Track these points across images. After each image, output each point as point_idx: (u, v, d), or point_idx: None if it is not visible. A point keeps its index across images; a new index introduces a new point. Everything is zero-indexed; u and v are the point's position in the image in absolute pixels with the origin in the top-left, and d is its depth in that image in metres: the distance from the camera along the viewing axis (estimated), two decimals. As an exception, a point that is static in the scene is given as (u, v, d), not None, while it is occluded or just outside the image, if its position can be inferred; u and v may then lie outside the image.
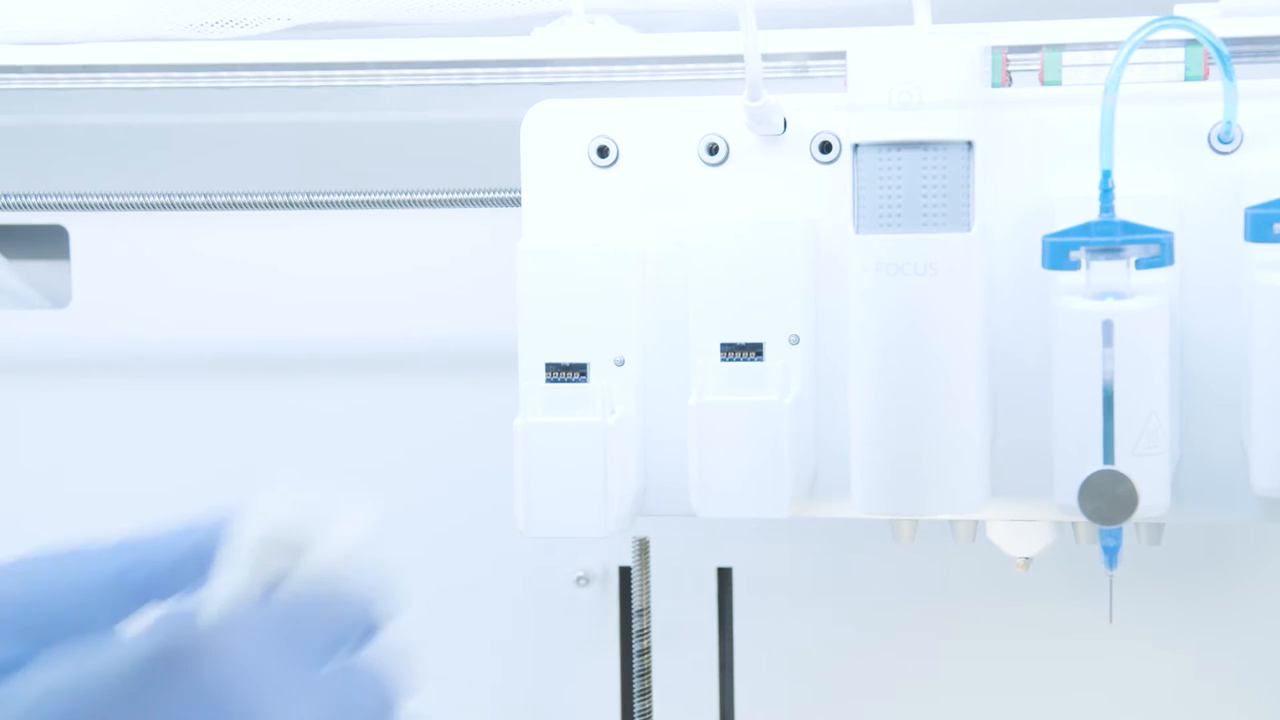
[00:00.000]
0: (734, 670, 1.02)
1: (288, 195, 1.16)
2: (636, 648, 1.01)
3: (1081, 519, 0.84)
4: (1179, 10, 0.91)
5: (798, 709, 1.22)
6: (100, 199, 1.18)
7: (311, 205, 1.16)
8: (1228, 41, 0.87)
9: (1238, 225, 0.87)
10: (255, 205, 1.17)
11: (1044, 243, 0.85)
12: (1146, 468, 0.84)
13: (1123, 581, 1.02)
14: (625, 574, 1.10)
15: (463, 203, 1.15)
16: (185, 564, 0.62)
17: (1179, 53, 0.91)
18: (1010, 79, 0.94)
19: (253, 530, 0.60)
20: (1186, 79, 0.91)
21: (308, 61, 1.13)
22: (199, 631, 0.56)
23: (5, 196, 1.19)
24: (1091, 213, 0.85)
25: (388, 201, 1.16)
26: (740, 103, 0.90)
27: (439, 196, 1.15)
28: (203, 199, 1.17)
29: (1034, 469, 0.89)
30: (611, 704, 1.12)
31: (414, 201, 1.16)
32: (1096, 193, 0.85)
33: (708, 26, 1.07)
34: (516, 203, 0.97)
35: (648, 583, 1.03)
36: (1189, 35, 0.89)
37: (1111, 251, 0.84)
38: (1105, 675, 1.19)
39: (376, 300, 1.23)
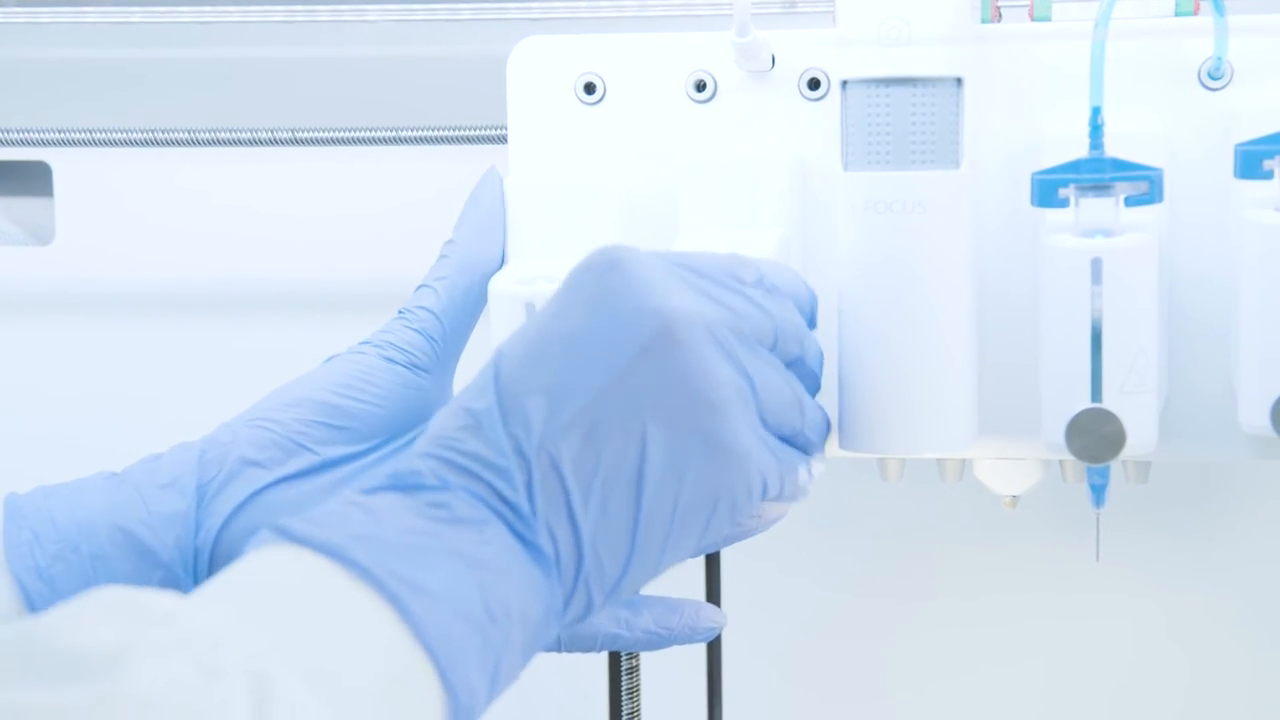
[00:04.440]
0: (720, 604, 1.02)
1: (272, 131, 1.16)
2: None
3: (1069, 457, 0.84)
4: (1170, -55, 0.91)
5: (784, 648, 1.23)
6: (83, 134, 1.17)
7: (296, 141, 1.16)
8: (1219, -23, 0.87)
9: (1227, 162, 0.87)
10: (239, 141, 1.16)
11: (1033, 180, 0.85)
12: (1134, 406, 0.83)
13: (1110, 520, 1.03)
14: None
15: (449, 139, 1.14)
16: None
17: (1170, -12, 0.91)
18: (1000, 15, 0.93)
19: None
20: (1177, 14, 0.91)
21: (292, -4, 1.13)
22: None
23: (-13, 133, 1.18)
24: (1081, 150, 0.85)
25: (372, 138, 1.15)
26: (728, 39, 0.90)
27: (425, 133, 1.15)
28: (187, 135, 1.16)
29: (1022, 407, 0.89)
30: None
31: (399, 138, 1.15)
32: (1086, 129, 0.85)
33: (695, -39, 1.07)
34: (503, 140, 0.97)
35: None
36: (1180, -30, 0.89)
37: (1101, 189, 0.84)
38: (1092, 613, 1.20)
39: (361, 237, 1.22)
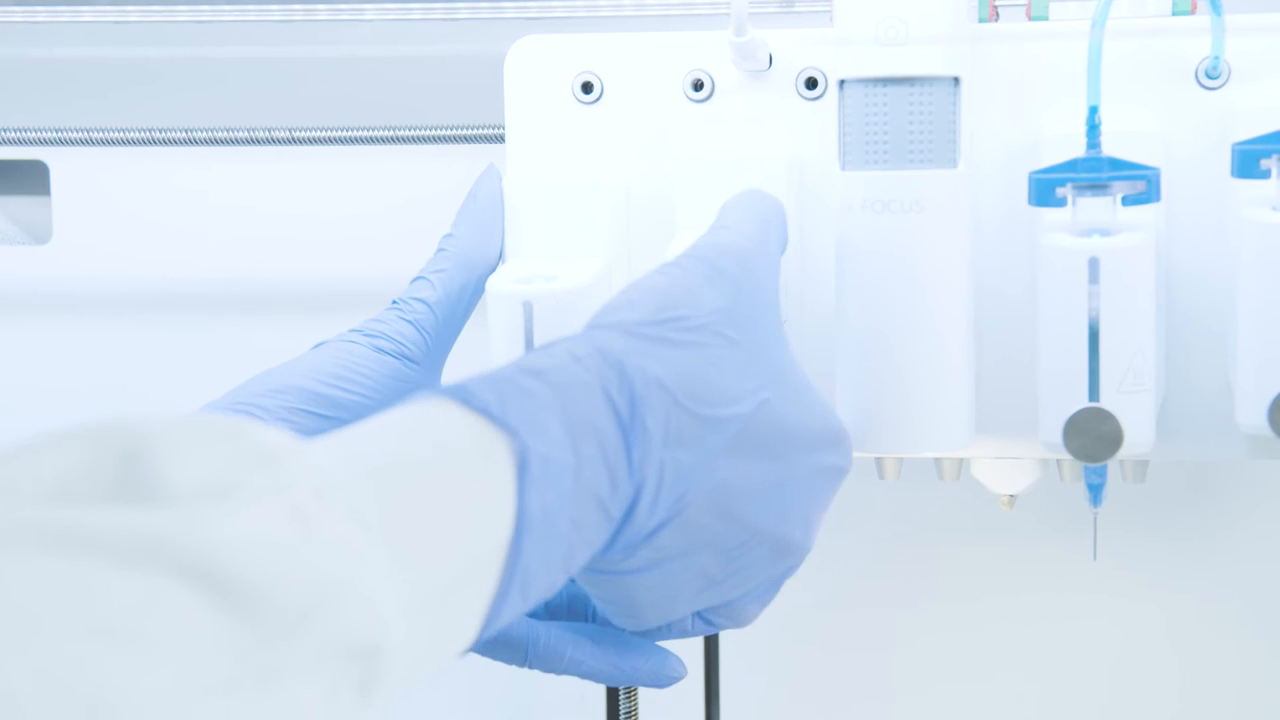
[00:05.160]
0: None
1: (269, 130, 1.16)
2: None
3: (1066, 456, 0.84)
4: (1167, -55, 0.91)
5: (780, 647, 1.22)
6: (81, 134, 1.17)
7: (293, 141, 1.16)
8: (1216, -24, 0.87)
9: (1224, 161, 0.87)
10: (236, 141, 1.16)
11: (1030, 179, 0.85)
12: (1132, 405, 0.83)
13: (1107, 519, 1.02)
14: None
15: (446, 139, 1.14)
16: None
17: (1167, -13, 0.91)
18: (997, 14, 0.93)
19: None
20: (1174, 13, 0.91)
21: (289, -5, 1.13)
22: None
23: (-15, 132, 1.18)
24: (1078, 149, 0.85)
25: (370, 137, 1.15)
26: (726, 38, 0.90)
27: (422, 132, 1.15)
28: (184, 134, 1.16)
29: (1019, 407, 0.89)
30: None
31: (396, 137, 1.15)
32: (1083, 129, 0.85)
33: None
34: (500, 139, 0.97)
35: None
36: (1177, -30, 0.89)
37: (1098, 188, 0.84)
38: (1089, 612, 1.20)
39: (359, 236, 1.22)
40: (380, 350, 0.83)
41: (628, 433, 0.67)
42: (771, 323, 0.75)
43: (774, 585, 0.77)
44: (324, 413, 0.82)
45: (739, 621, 0.78)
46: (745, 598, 0.76)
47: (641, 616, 0.74)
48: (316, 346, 0.85)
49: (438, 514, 0.59)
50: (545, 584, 0.64)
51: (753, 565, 0.73)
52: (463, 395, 0.63)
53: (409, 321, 0.85)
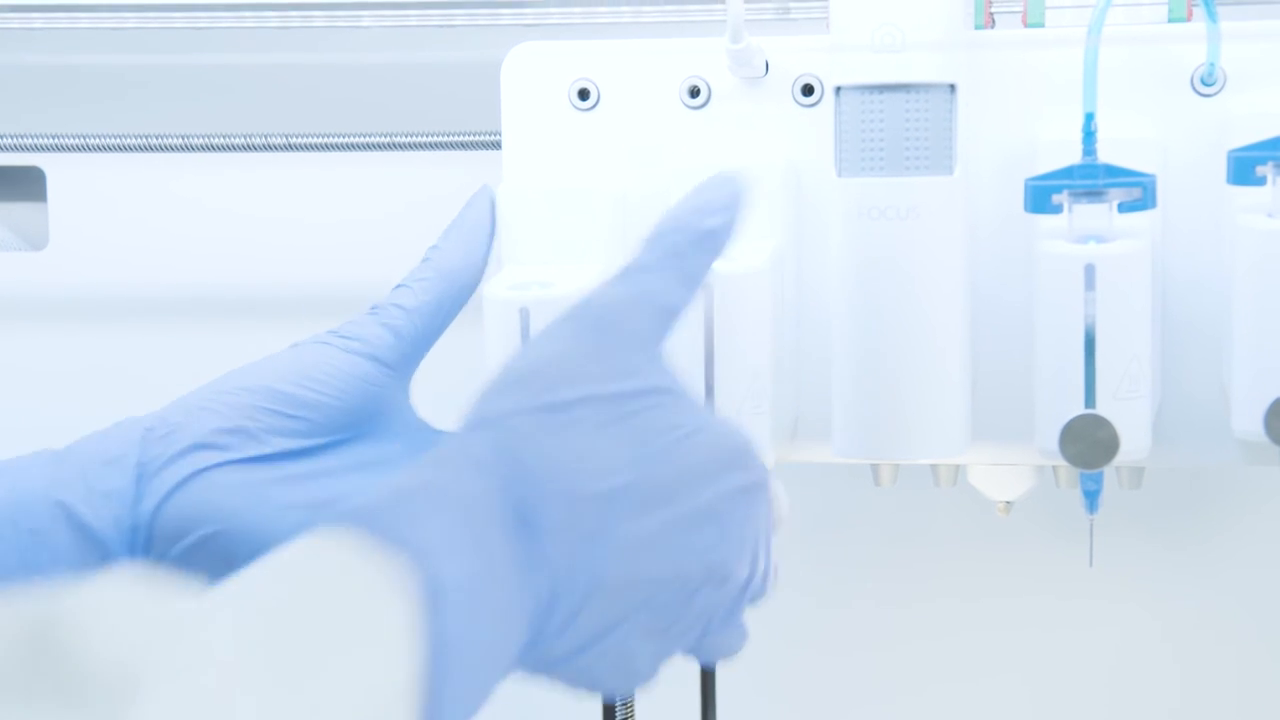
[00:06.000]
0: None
1: (266, 137, 1.16)
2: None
3: (1062, 463, 0.84)
4: (1163, -48, 0.91)
5: (777, 653, 1.23)
6: (77, 140, 1.17)
7: (290, 148, 1.16)
8: (1211, -17, 0.87)
9: (1220, 168, 0.87)
10: (233, 147, 1.16)
11: (1026, 186, 0.85)
12: (1128, 411, 0.84)
13: (1103, 525, 1.02)
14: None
15: (443, 145, 1.14)
16: None
17: (1163, -6, 0.91)
18: (993, 21, 0.93)
19: None
20: (1170, 20, 0.91)
21: (286, 2, 1.13)
22: None
23: (-19, 138, 1.18)
24: (1074, 156, 0.85)
25: (367, 144, 1.15)
26: (722, 45, 0.90)
27: (419, 139, 1.15)
28: (180, 141, 1.16)
29: (1015, 413, 0.89)
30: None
31: (394, 144, 1.15)
32: (1079, 135, 0.85)
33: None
34: (497, 145, 0.97)
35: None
36: (1173, -23, 0.89)
37: (1094, 195, 0.84)
38: (1085, 618, 1.20)
39: (356, 242, 1.22)
40: (352, 352, 0.83)
41: (530, 532, 0.67)
42: (645, 363, 0.73)
43: (732, 613, 0.75)
44: (292, 413, 0.82)
45: (721, 653, 0.77)
46: (710, 634, 0.75)
47: (612, 686, 0.73)
48: (292, 347, 0.85)
49: (341, 656, 0.58)
50: (475, 702, 0.64)
51: (697, 606, 0.72)
52: (362, 521, 0.63)
53: (385, 326, 0.84)
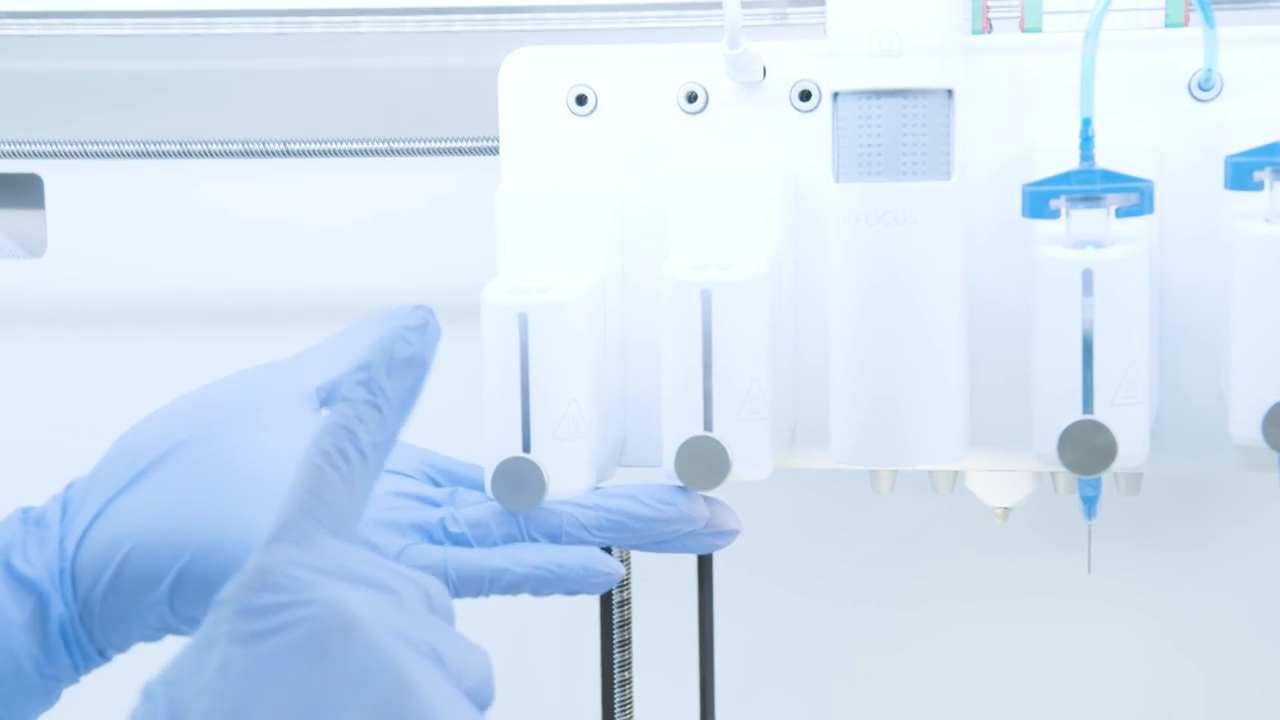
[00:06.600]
0: (714, 620, 1.02)
1: (264, 144, 1.16)
2: (617, 619, 1.00)
3: (1060, 469, 0.84)
4: (1160, -43, 0.91)
5: (776, 661, 1.22)
6: (75, 147, 1.17)
7: (288, 153, 1.16)
8: (1209, -12, 0.87)
9: (1218, 173, 0.87)
10: (230, 154, 1.16)
11: (1024, 191, 0.85)
12: (1125, 417, 0.83)
13: (1101, 531, 1.02)
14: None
15: (441, 151, 1.14)
16: None
17: (1160, -1, 0.91)
18: (990, 26, 0.93)
19: None
20: (1167, 25, 0.91)
21: (284, 8, 1.13)
22: None
23: (-21, 145, 1.18)
24: (1071, 161, 0.85)
25: (365, 149, 1.15)
26: (720, 51, 0.90)
27: (417, 144, 1.15)
28: (178, 148, 1.16)
29: (1013, 419, 0.89)
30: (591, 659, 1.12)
31: (392, 149, 1.15)
32: (1076, 141, 0.85)
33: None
34: (495, 151, 0.97)
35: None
36: (1170, -18, 0.89)
37: (1091, 200, 0.84)
38: (1083, 624, 1.20)
39: (353, 248, 1.22)
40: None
41: None
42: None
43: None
44: None
45: None
46: None
47: None
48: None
49: None
50: None
51: None
52: None
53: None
